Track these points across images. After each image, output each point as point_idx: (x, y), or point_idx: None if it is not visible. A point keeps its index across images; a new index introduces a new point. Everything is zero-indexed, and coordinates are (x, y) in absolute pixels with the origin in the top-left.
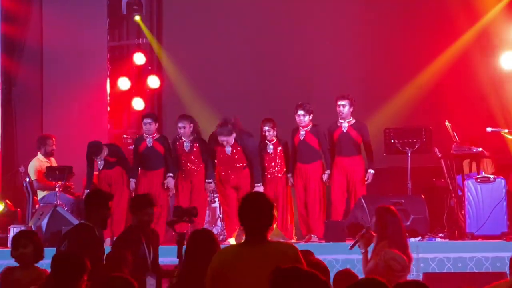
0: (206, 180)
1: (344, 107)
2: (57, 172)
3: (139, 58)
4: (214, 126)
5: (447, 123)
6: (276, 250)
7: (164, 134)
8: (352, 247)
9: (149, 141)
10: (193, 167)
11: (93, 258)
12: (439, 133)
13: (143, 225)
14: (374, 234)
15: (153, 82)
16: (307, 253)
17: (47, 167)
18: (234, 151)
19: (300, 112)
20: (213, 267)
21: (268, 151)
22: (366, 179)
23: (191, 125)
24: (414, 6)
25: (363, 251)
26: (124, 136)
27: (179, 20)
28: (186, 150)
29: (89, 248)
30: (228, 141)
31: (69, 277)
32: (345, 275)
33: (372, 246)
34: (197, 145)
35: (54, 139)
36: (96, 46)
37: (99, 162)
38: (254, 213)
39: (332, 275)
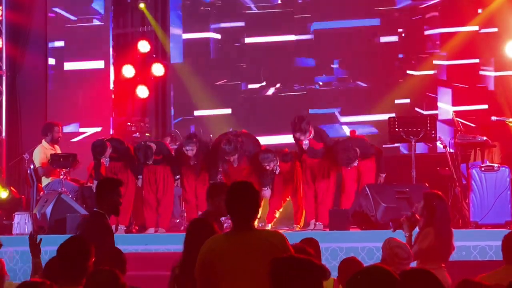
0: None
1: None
2: (61, 159)
3: (143, 46)
4: (216, 115)
5: (452, 112)
6: (262, 238)
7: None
8: (395, 229)
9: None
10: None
11: (104, 245)
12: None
13: (221, 211)
14: (419, 218)
15: (158, 69)
16: (311, 241)
17: (51, 154)
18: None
19: (298, 134)
20: (201, 254)
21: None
22: (378, 182)
23: (196, 145)
24: None
25: (407, 234)
26: (128, 123)
27: (184, 7)
28: (191, 164)
29: (100, 235)
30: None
31: (74, 261)
32: (351, 263)
33: (415, 230)
34: (202, 156)
35: (60, 126)
36: (101, 33)
37: (105, 160)
38: (241, 201)
39: (336, 264)
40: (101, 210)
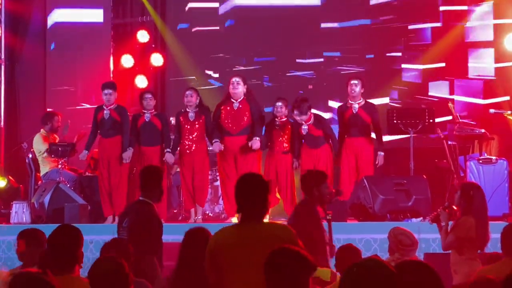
0: (213, 140)
1: (356, 86)
2: (59, 149)
3: (142, 36)
4: (216, 104)
5: (450, 104)
6: (269, 231)
7: (166, 112)
8: (433, 220)
9: (147, 116)
10: (195, 139)
11: (154, 234)
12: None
13: (324, 199)
14: (455, 209)
15: (157, 60)
16: None
17: (50, 144)
18: (241, 106)
19: (296, 112)
20: (209, 247)
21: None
22: (376, 162)
23: (198, 96)
24: None
25: (443, 224)
26: (128, 114)
27: None
28: (191, 120)
29: (150, 224)
30: None
31: (65, 249)
32: (348, 250)
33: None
34: (203, 117)
35: (60, 116)
36: (100, 23)
37: (105, 112)
38: (250, 194)
39: None
40: (147, 199)
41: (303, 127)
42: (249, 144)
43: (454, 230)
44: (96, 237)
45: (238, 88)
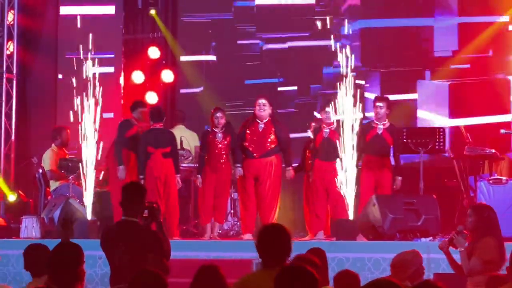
0: (236, 165)
1: (381, 108)
2: (70, 164)
3: (153, 52)
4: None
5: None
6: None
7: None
8: (447, 246)
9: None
10: (222, 158)
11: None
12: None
13: None
14: (467, 233)
15: (167, 76)
16: (318, 251)
17: (60, 159)
18: (266, 128)
19: (324, 110)
20: None
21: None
22: (394, 186)
23: (224, 116)
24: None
25: (462, 249)
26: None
27: (194, 14)
28: (219, 140)
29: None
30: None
31: (66, 267)
32: (346, 275)
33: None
34: (229, 137)
35: (69, 130)
36: (111, 39)
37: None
38: (273, 246)
39: None
40: (133, 218)
41: (325, 130)
42: (286, 175)
43: (478, 253)
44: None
45: (265, 110)
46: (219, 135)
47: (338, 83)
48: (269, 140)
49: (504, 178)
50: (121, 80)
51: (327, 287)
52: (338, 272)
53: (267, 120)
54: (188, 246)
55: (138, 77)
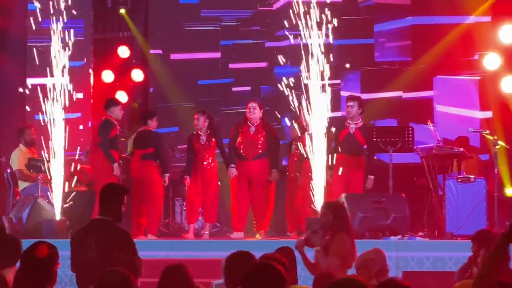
0: (230, 165)
1: (353, 107)
2: (38, 163)
3: (123, 51)
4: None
5: (429, 123)
6: None
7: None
8: (303, 245)
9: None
10: (207, 161)
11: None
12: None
13: None
14: (322, 232)
15: (137, 75)
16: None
17: (29, 159)
18: (257, 131)
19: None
20: None
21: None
22: (366, 185)
23: (207, 119)
24: None
25: (318, 248)
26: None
27: (164, 13)
28: (202, 143)
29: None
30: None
31: (40, 266)
32: (325, 277)
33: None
34: (214, 140)
35: (33, 129)
36: (81, 38)
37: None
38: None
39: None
40: (106, 217)
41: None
42: (271, 177)
43: (335, 250)
44: None
45: (255, 113)
46: (203, 137)
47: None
48: (260, 142)
49: (472, 176)
50: (91, 79)
51: (295, 286)
52: (317, 274)
53: (258, 123)
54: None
55: (108, 76)
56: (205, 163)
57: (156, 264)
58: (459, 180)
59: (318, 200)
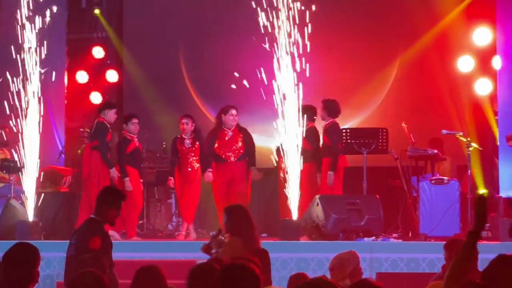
0: (208, 170)
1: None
2: (11, 164)
3: (98, 52)
4: (173, 121)
5: (403, 124)
6: None
7: (120, 128)
8: (205, 250)
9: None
10: (189, 167)
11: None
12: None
13: None
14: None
15: (112, 76)
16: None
17: (1, 159)
18: (233, 134)
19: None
20: None
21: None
22: (328, 181)
23: (193, 123)
24: (373, 7)
25: (214, 251)
26: (81, 129)
27: (139, 14)
28: (187, 146)
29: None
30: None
31: (21, 268)
32: (300, 278)
33: None
34: (198, 143)
35: (7, 129)
36: (55, 38)
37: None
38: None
39: (286, 274)
40: (96, 216)
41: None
42: (253, 176)
43: (223, 253)
44: (47, 254)
45: (236, 120)
46: (187, 141)
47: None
48: (238, 145)
49: (445, 178)
50: (65, 80)
51: (270, 287)
52: (292, 275)
53: (234, 128)
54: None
55: (82, 77)
56: (189, 167)
57: (131, 266)
58: (433, 181)
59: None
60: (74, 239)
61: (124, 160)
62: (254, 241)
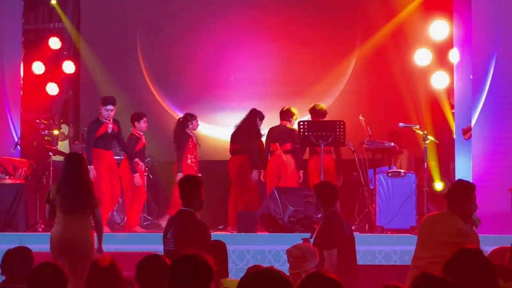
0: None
1: None
2: None
3: (54, 43)
4: (129, 113)
5: (361, 117)
6: None
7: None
8: None
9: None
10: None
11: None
12: (354, 127)
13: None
14: None
15: (68, 67)
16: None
17: None
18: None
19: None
20: None
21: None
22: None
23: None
24: (330, 1)
25: None
26: (37, 121)
27: (97, 5)
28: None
29: (195, 232)
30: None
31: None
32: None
33: None
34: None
35: None
36: (11, 29)
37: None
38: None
39: (243, 266)
40: (189, 208)
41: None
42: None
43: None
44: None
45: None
46: (194, 138)
47: None
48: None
49: (402, 171)
50: (21, 71)
51: (226, 280)
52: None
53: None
54: None
55: (38, 68)
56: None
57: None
58: (390, 174)
59: None
60: (171, 233)
61: (134, 157)
62: None
